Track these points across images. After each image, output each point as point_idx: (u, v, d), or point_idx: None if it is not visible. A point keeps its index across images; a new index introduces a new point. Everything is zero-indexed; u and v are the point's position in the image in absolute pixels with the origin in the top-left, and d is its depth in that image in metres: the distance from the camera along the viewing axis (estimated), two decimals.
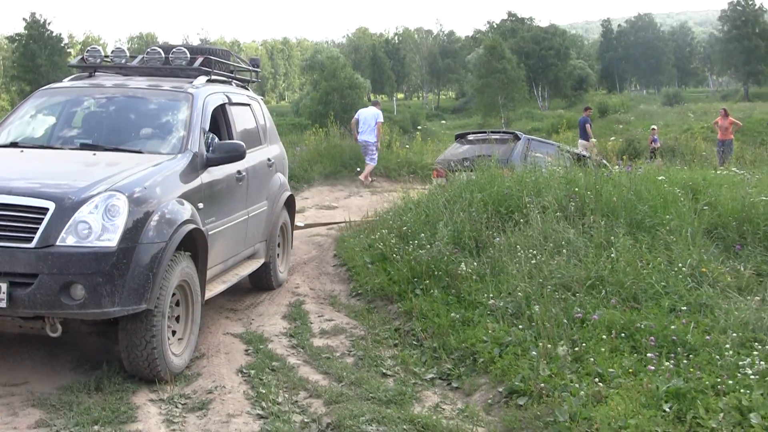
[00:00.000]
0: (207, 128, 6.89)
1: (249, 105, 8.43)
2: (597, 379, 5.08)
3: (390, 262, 8.25)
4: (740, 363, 5.02)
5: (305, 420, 5.07)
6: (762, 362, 4.97)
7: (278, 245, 8.73)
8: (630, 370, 5.14)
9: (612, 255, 7.03)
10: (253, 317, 7.54)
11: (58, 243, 5.10)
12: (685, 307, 6.09)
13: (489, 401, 5.32)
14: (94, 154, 6.36)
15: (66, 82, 7.70)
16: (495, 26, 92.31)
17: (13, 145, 6.73)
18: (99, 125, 7.06)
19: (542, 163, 10.75)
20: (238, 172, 7.22)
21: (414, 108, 71.65)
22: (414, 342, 6.56)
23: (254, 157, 7.87)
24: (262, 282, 8.46)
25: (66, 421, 4.94)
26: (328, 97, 45.51)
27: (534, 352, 5.52)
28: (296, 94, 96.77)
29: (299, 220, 12.15)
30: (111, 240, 5.18)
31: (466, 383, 5.67)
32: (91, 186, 5.39)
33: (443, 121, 57.01)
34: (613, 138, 21.08)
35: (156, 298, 5.41)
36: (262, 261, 8.12)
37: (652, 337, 5.54)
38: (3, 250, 5.07)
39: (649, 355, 5.30)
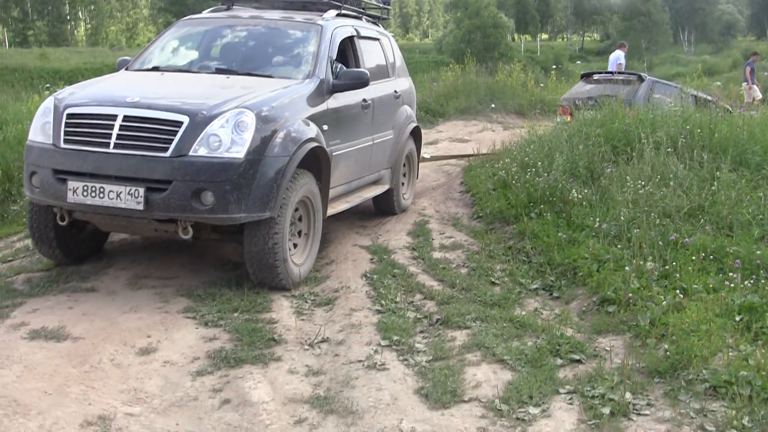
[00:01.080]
0: (334, 57, 7.36)
1: (378, 40, 8.90)
2: (680, 293, 5.61)
3: (510, 189, 8.84)
4: None
5: (418, 316, 5.83)
6: None
7: (403, 173, 9.27)
8: (711, 287, 5.63)
9: (713, 187, 7.44)
10: (381, 233, 8.31)
11: (190, 153, 5.71)
12: None
13: (583, 308, 5.93)
14: (228, 78, 6.89)
15: (205, 14, 8.30)
16: None
17: (155, 69, 7.37)
18: (234, 53, 7.54)
19: (663, 104, 11.07)
20: (364, 100, 7.75)
21: (557, 49, 70.54)
22: (524, 258, 7.18)
23: (381, 88, 8.40)
24: (386, 207, 9.01)
25: (209, 308, 5.88)
26: (471, 36, 45.42)
27: (627, 268, 6.07)
28: (440, 31, 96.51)
29: (428, 152, 12.74)
30: (239, 152, 5.76)
31: (566, 293, 6.28)
32: (222, 104, 5.96)
33: (578, 62, 56.22)
34: (745, 83, 20.86)
35: (279, 207, 5.98)
36: (387, 187, 8.67)
37: (738, 260, 5.99)
38: (142, 159, 5.73)
39: (731, 274, 5.77)
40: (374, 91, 8.07)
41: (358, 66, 7.95)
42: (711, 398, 4.34)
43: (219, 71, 7.16)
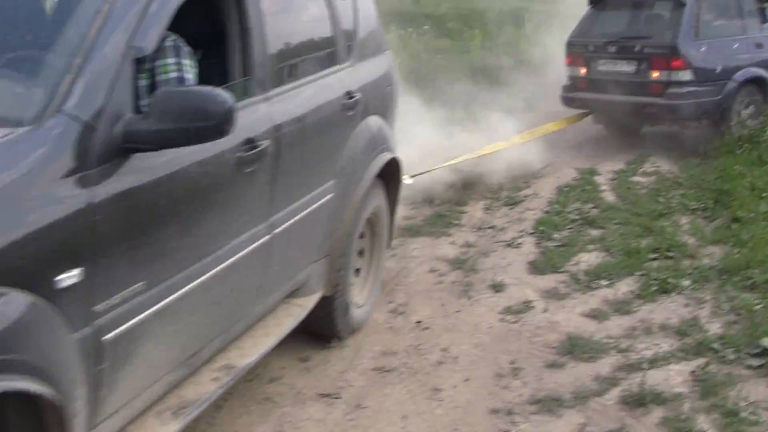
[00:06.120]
0: (151, 46, 2.84)
1: None
2: None
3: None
4: None
5: (576, 218, 7.20)
6: None
7: (359, 255, 4.99)
8: None
9: None
10: (599, 157, 9.56)
11: None
12: None
13: (717, 224, 6.95)
14: None
15: None
16: None
17: None
18: None
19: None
20: (249, 142, 3.32)
21: None
22: (705, 187, 8.14)
23: (307, 96, 4.04)
24: (321, 326, 4.64)
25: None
26: None
27: (765, 194, 7.05)
28: None
29: (415, 172, 7.23)
30: None
31: (715, 213, 7.25)
32: None
33: None
34: None
35: None
36: (316, 296, 4.37)
37: None
38: None
39: None
40: (285, 108, 3.73)
41: (246, 53, 3.51)
42: (747, 290, 5.43)
43: None
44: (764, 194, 7.12)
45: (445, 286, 5.75)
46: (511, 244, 6.56)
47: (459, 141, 8.55)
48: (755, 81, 9.65)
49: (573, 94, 10.34)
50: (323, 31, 4.50)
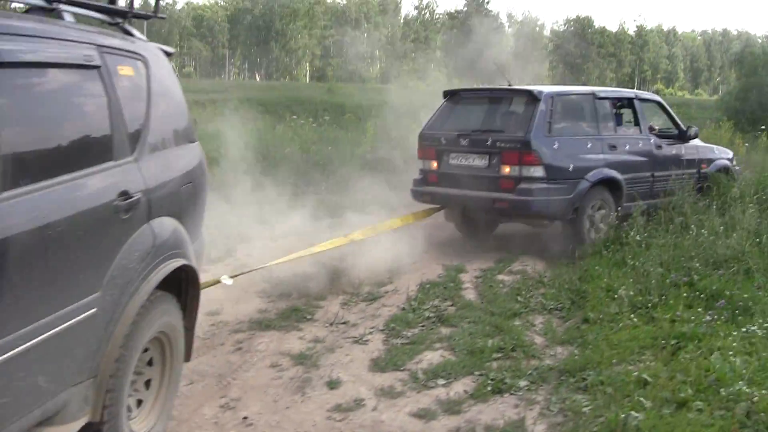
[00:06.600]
0: None
1: (98, 68, 3.86)
2: (640, 320, 6.59)
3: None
4: None
5: (430, 315, 7.19)
6: None
7: (142, 381, 4.38)
8: (671, 317, 6.56)
9: (758, 239, 8.18)
10: (470, 256, 9.61)
11: None
12: None
13: (569, 325, 7.00)
14: None
15: None
16: None
17: None
18: None
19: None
20: None
21: None
22: (566, 287, 8.21)
23: (52, 198, 3.31)
24: None
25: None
26: (747, 95, 44.25)
27: (616, 296, 7.11)
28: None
29: (236, 272, 7.16)
30: None
31: (570, 314, 7.33)
32: None
33: None
34: None
35: None
36: (78, 423, 3.65)
37: (722, 300, 6.84)
38: None
39: (699, 309, 6.65)
40: (17, 215, 3.05)
41: None
42: (581, 392, 5.41)
43: None
44: (616, 296, 7.16)
45: (282, 382, 5.61)
46: (358, 341, 6.47)
47: (311, 235, 8.54)
48: (608, 182, 9.67)
49: (422, 188, 10.17)
50: (93, 120, 3.81)
